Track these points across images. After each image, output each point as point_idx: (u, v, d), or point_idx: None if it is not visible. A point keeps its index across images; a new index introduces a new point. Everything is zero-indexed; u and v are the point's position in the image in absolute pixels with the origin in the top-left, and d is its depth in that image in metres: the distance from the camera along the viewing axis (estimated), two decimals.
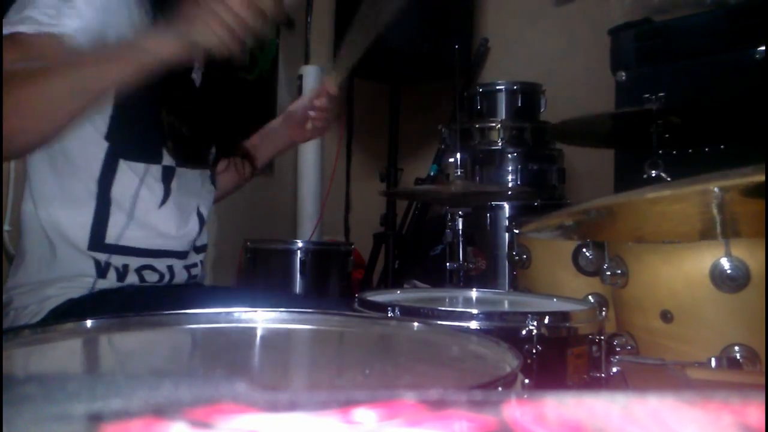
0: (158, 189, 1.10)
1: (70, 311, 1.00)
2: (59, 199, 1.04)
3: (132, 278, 1.08)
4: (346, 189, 3.06)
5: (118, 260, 1.06)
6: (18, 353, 0.54)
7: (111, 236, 1.05)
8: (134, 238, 1.07)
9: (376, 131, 2.87)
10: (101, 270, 1.05)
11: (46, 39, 0.90)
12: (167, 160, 1.10)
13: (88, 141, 1.03)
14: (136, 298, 1.04)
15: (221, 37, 0.85)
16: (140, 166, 1.07)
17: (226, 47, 0.86)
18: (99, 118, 1.02)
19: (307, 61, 3.03)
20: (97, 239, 1.04)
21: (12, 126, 0.78)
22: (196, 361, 0.64)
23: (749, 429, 0.19)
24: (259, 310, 0.72)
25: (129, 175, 1.06)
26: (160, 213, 1.10)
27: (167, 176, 1.11)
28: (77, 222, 1.04)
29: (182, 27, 0.86)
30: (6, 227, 1.85)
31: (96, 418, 0.20)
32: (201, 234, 1.19)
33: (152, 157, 1.09)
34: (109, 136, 1.04)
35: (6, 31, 0.90)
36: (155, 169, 1.09)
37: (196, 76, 1.14)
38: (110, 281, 1.06)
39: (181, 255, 1.14)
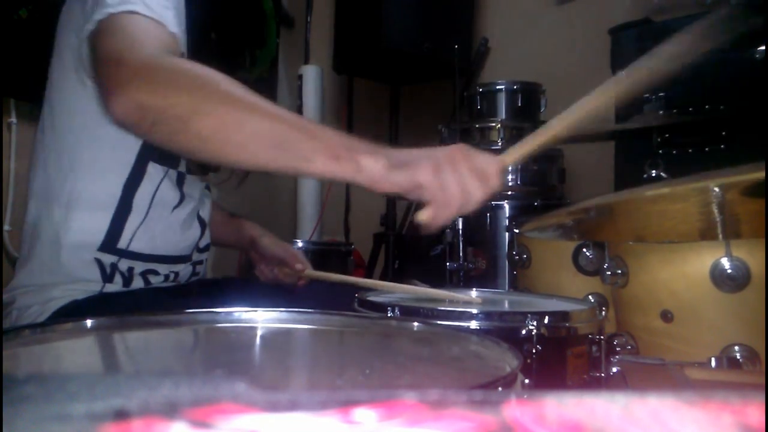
0: (174, 193, 1.10)
1: (74, 313, 0.99)
2: (76, 201, 1.02)
3: (137, 282, 1.07)
4: (346, 189, 3.06)
5: (124, 264, 1.05)
6: (18, 353, 0.54)
7: (125, 241, 1.04)
8: (144, 242, 1.06)
9: (376, 131, 2.87)
10: (107, 274, 1.04)
11: (159, 29, 0.88)
12: (182, 165, 1.11)
13: (120, 144, 1.02)
14: (142, 302, 1.04)
15: (443, 210, 0.77)
16: (161, 170, 1.07)
17: (438, 219, 0.78)
18: None
19: (307, 61, 3.03)
20: (111, 243, 1.03)
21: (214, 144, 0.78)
22: (196, 361, 0.64)
23: (749, 429, 0.19)
24: (259, 310, 0.72)
25: (152, 178, 1.06)
26: (171, 218, 1.10)
27: (181, 181, 1.11)
28: (93, 225, 1.02)
29: (411, 167, 0.77)
30: (6, 227, 1.85)
31: (96, 418, 0.20)
32: (204, 236, 1.19)
33: (174, 161, 1.08)
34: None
35: (122, 8, 0.87)
36: (172, 173, 1.09)
37: None
38: (116, 285, 1.05)
39: (184, 259, 1.14)
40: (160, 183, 1.07)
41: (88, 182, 1.02)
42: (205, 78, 0.81)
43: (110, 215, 1.03)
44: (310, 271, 1.30)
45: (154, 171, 1.05)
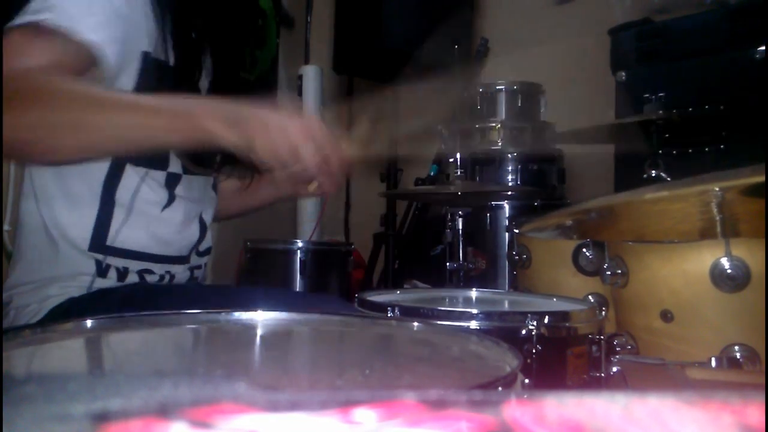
0: (162, 194, 1.10)
1: (71, 310, 1.00)
2: (62, 198, 1.04)
3: (132, 278, 1.08)
4: (346, 189, 3.06)
5: (118, 262, 1.06)
6: (18, 353, 0.54)
7: (112, 238, 1.05)
8: (134, 240, 1.06)
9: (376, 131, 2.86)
10: (102, 270, 1.05)
11: (70, 40, 0.87)
12: (174, 166, 1.10)
13: None
14: (137, 296, 1.04)
15: (279, 157, 0.84)
16: (141, 171, 1.07)
17: (280, 164, 0.85)
18: None
19: (307, 61, 3.03)
20: (99, 240, 1.04)
21: (29, 138, 0.79)
22: (196, 361, 0.64)
23: (749, 429, 0.19)
24: (259, 310, 0.72)
25: (134, 177, 1.06)
26: (162, 217, 1.10)
27: (172, 182, 1.11)
28: (80, 222, 1.04)
29: (244, 125, 0.83)
30: (6, 227, 1.85)
31: (96, 418, 0.20)
32: (204, 239, 1.19)
33: (159, 163, 1.08)
34: None
35: (30, 18, 0.87)
36: (159, 175, 1.09)
37: (203, 84, 1.13)
38: (111, 281, 1.06)
39: (180, 260, 1.14)
40: (141, 184, 1.07)
41: (71, 181, 1.04)
42: (40, 88, 0.82)
43: (95, 212, 1.04)
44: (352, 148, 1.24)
45: (133, 171, 1.06)
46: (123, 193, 1.05)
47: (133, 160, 1.06)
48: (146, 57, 1.00)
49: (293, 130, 0.84)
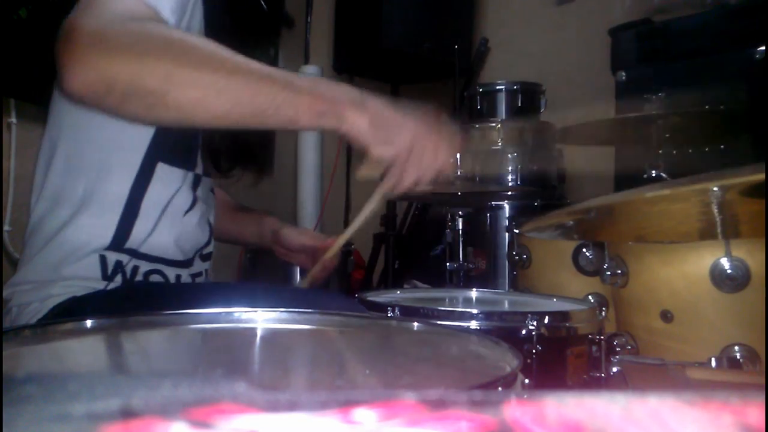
0: (189, 197, 1.08)
1: (73, 309, 0.99)
2: (85, 203, 1.00)
3: (137, 280, 1.07)
4: (346, 189, 3.06)
5: (130, 262, 1.04)
6: (18, 353, 0.54)
7: (134, 241, 1.02)
8: (155, 245, 1.04)
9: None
10: (108, 273, 1.03)
11: (147, 9, 0.81)
12: (199, 167, 1.09)
13: (127, 145, 1.00)
14: (140, 296, 1.03)
15: (402, 179, 0.83)
16: (179, 173, 1.05)
17: (397, 179, 0.84)
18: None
19: (307, 61, 3.03)
20: (119, 243, 1.02)
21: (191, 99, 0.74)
22: (196, 361, 0.64)
23: (749, 429, 0.19)
24: (259, 310, 0.72)
25: (165, 181, 1.04)
26: (184, 221, 1.09)
27: (196, 185, 1.10)
28: (101, 226, 1.01)
29: (379, 124, 0.81)
30: (6, 227, 1.85)
31: (96, 418, 0.20)
32: (210, 243, 1.18)
33: (189, 164, 1.06)
34: (153, 138, 1.00)
35: None
36: (190, 176, 1.07)
37: None
38: (115, 283, 1.04)
39: (187, 264, 1.13)
40: (181, 186, 1.05)
41: (96, 184, 1.01)
42: (177, 40, 0.76)
43: (118, 217, 1.01)
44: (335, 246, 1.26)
45: (164, 173, 1.03)
46: (152, 198, 1.03)
47: (167, 160, 1.02)
48: None
49: (443, 150, 0.84)
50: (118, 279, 1.04)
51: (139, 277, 1.06)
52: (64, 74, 0.73)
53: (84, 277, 1.02)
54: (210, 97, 0.75)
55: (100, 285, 1.03)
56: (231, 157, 1.18)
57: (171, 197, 1.05)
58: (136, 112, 0.77)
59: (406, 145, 0.82)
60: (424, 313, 0.89)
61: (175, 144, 1.03)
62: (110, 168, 1.01)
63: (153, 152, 1.02)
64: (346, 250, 2.19)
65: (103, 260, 1.02)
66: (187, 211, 1.09)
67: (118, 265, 1.03)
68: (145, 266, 1.06)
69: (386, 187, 0.86)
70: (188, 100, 0.74)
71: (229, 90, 0.75)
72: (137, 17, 0.80)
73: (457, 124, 0.90)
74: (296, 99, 0.78)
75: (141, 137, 1.01)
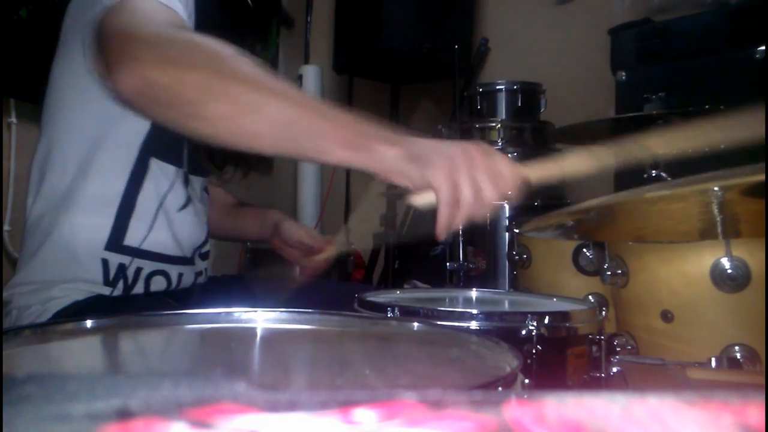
0: (182, 194, 1.09)
1: (75, 315, 0.98)
2: (81, 200, 1.01)
3: (139, 287, 1.06)
4: (346, 189, 3.06)
5: (132, 263, 1.04)
6: (18, 353, 0.54)
7: (131, 239, 1.03)
8: (155, 242, 1.05)
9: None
10: (110, 278, 1.03)
11: (170, 13, 0.84)
12: (187, 166, 1.09)
13: (123, 143, 1.01)
14: (142, 305, 1.03)
15: (451, 212, 0.74)
16: (171, 169, 1.06)
17: (446, 221, 0.75)
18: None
19: (306, 61, 3.02)
20: (116, 241, 1.02)
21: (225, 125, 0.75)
22: (196, 361, 0.64)
23: (749, 429, 0.19)
24: (259, 310, 0.72)
25: (159, 177, 1.04)
26: (179, 218, 1.09)
27: (187, 182, 1.11)
28: (97, 224, 1.01)
29: (415, 155, 0.74)
30: (6, 227, 1.85)
31: (96, 418, 0.20)
32: (207, 241, 1.19)
33: (179, 161, 1.07)
34: (148, 134, 1.01)
35: None
36: (181, 174, 1.08)
37: None
38: (117, 290, 1.04)
39: (187, 261, 1.14)
40: (174, 183, 1.06)
41: (91, 182, 1.01)
42: (221, 54, 0.77)
43: (113, 214, 1.02)
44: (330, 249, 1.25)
45: (159, 169, 1.04)
46: (147, 194, 1.03)
47: (161, 156, 1.03)
48: None
49: (481, 166, 0.75)
50: (120, 285, 1.03)
51: (141, 281, 1.05)
52: (116, 76, 0.75)
53: (85, 280, 1.02)
54: (245, 115, 0.74)
55: (102, 290, 1.02)
56: (224, 152, 1.18)
57: (165, 194, 1.06)
58: (176, 120, 0.78)
59: (447, 177, 0.74)
60: (424, 313, 0.88)
61: (167, 141, 1.04)
62: (106, 164, 1.02)
63: (147, 148, 1.03)
64: (346, 251, 2.19)
65: (105, 264, 1.02)
66: (181, 208, 1.09)
67: (121, 269, 1.03)
68: (148, 267, 1.05)
69: (441, 225, 0.76)
70: (223, 113, 0.75)
71: (265, 111, 0.75)
72: (163, 21, 0.82)
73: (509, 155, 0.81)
74: (329, 129, 0.75)
75: (136, 133, 1.02)
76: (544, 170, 0.83)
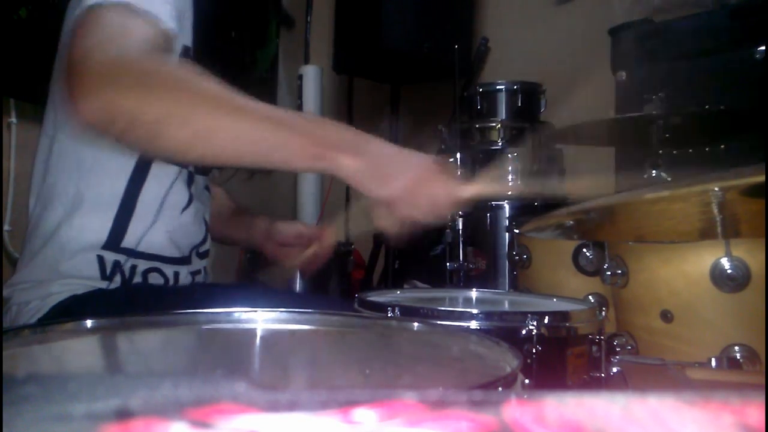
0: (184, 194, 1.09)
1: (73, 308, 0.99)
2: (81, 201, 1.01)
3: (138, 278, 1.07)
4: (346, 189, 3.05)
5: (128, 262, 1.05)
6: (18, 353, 0.54)
7: (130, 240, 1.03)
8: (152, 243, 1.05)
9: (375, 131, 2.86)
10: (107, 273, 1.04)
11: (157, 26, 0.84)
12: (191, 165, 1.09)
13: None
14: (140, 297, 1.03)
15: (417, 214, 0.85)
16: (173, 168, 1.06)
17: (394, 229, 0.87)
18: None
19: (307, 61, 3.02)
20: (115, 241, 1.02)
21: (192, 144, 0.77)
22: (195, 361, 0.64)
23: (749, 429, 0.19)
24: (259, 310, 0.72)
25: (160, 177, 1.05)
26: (181, 219, 1.09)
27: (190, 181, 1.11)
28: (97, 224, 1.02)
29: (374, 168, 0.81)
30: (6, 227, 1.85)
31: (96, 418, 0.20)
32: (206, 241, 1.19)
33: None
34: None
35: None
36: (184, 173, 1.08)
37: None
38: (115, 283, 1.05)
39: (184, 261, 1.14)
40: (174, 183, 1.06)
41: (91, 182, 1.02)
42: (180, 79, 0.79)
43: (113, 215, 1.02)
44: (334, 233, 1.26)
45: (163, 170, 1.04)
46: (148, 194, 1.04)
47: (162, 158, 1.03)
48: (186, 51, 0.99)
49: (431, 188, 0.84)
50: (117, 279, 1.04)
51: (137, 276, 1.06)
52: (75, 101, 0.76)
53: (82, 275, 1.02)
54: (203, 137, 0.77)
55: (100, 284, 1.03)
56: None
57: (166, 194, 1.06)
58: (138, 143, 0.81)
59: (404, 188, 0.82)
60: (424, 313, 0.88)
61: None
62: (106, 165, 1.02)
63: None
64: (346, 250, 2.19)
65: (101, 260, 1.03)
66: (184, 209, 1.09)
67: (116, 265, 1.04)
68: (143, 265, 1.06)
69: (379, 227, 0.88)
70: (182, 138, 0.77)
71: (223, 131, 0.78)
72: (152, 44, 0.83)
73: (459, 169, 0.94)
74: (290, 142, 0.79)
75: None
76: (479, 188, 0.92)
